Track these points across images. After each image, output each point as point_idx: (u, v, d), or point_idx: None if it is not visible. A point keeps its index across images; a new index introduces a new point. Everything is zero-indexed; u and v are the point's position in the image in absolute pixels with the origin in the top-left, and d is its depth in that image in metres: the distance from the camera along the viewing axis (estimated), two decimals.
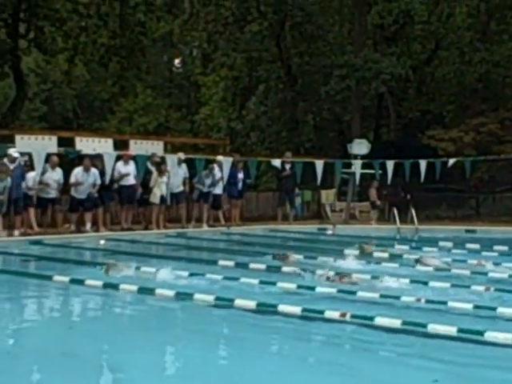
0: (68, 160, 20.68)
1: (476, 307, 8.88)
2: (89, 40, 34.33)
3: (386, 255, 14.64)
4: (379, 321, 7.99)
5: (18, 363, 6.83)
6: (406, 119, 38.02)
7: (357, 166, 24.14)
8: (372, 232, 21.21)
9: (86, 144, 20.49)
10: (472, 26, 35.16)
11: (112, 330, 8.32)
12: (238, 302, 9.04)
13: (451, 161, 23.44)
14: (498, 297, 9.90)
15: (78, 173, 19.25)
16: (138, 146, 21.61)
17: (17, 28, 31.91)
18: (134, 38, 34.51)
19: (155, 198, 20.33)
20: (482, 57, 31.53)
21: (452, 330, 7.52)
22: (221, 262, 13.21)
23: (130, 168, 20.22)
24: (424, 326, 7.69)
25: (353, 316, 8.18)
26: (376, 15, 33.30)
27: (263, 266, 12.68)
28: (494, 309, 8.75)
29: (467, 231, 21.43)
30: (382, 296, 9.52)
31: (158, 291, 9.83)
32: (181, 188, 21.35)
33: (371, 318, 8.05)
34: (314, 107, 34.90)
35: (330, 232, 21.43)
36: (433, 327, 7.63)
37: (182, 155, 21.39)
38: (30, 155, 18.72)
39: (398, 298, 9.41)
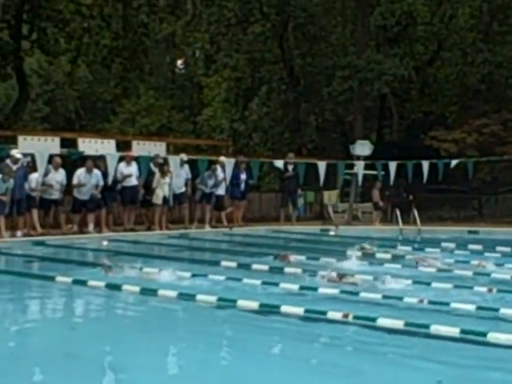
0: (71, 161, 20.70)
1: (479, 308, 8.88)
2: (91, 41, 34.36)
3: (388, 256, 14.64)
4: (382, 322, 7.99)
5: (21, 364, 6.83)
6: (408, 120, 37.99)
7: (359, 167, 24.15)
8: (374, 233, 21.18)
9: (88, 145, 20.49)
10: (475, 27, 35.13)
11: (115, 331, 8.33)
12: (241, 303, 9.05)
13: (454, 162, 23.45)
14: (501, 298, 9.90)
15: (80, 174, 19.27)
16: (140, 147, 21.60)
17: (20, 29, 31.94)
18: (137, 40, 34.54)
19: (158, 198, 20.34)
20: (484, 58, 31.52)
21: (455, 331, 7.52)
22: (223, 263, 13.22)
23: (133, 169, 20.23)
24: (427, 327, 7.69)
25: (355, 317, 8.18)
26: (379, 16, 33.28)
27: (266, 267, 12.68)
28: (497, 310, 8.75)
29: (470, 232, 21.42)
30: (384, 297, 9.53)
31: (161, 292, 9.84)
32: (183, 189, 21.36)
33: (374, 319, 8.05)
34: (316, 108, 34.91)
35: (332, 233, 21.44)
36: (435, 328, 7.62)
37: (184, 156, 21.41)
38: (32, 156, 18.74)
39: (400, 298, 9.41)
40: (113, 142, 21.31)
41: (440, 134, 29.10)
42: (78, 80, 44.38)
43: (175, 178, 20.91)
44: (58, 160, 19.22)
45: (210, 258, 15.12)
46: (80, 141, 20.55)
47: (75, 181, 19.27)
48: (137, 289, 10.13)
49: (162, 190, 20.38)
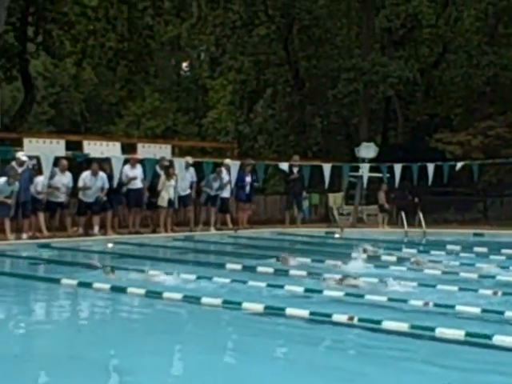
0: (76, 164, 20.72)
1: (484, 311, 8.87)
2: (97, 43, 34.42)
3: (393, 259, 14.64)
4: (387, 324, 7.98)
5: (27, 366, 6.85)
6: (413, 122, 37.95)
7: (364, 170, 24.13)
8: (380, 235, 21.17)
9: (93, 147, 20.48)
10: (480, 30, 35.07)
11: (120, 333, 8.33)
12: (246, 305, 9.05)
13: (459, 164, 23.43)
14: (506, 300, 9.88)
15: (86, 177, 19.29)
16: (145, 150, 21.59)
17: (25, 31, 32.03)
18: (142, 42, 34.60)
19: (163, 201, 20.35)
20: (489, 60, 31.45)
21: (460, 334, 7.51)
22: (228, 266, 13.22)
23: (137, 171, 20.25)
24: (432, 329, 7.68)
25: (360, 319, 8.18)
26: (384, 19, 33.24)
27: (271, 270, 12.69)
28: (502, 313, 8.74)
29: (475, 235, 21.38)
30: (389, 299, 9.52)
31: (166, 294, 9.84)
32: (188, 191, 21.38)
33: (379, 322, 8.04)
34: (321, 110, 34.89)
35: (337, 235, 21.42)
36: (440, 331, 7.61)
37: (189, 159, 21.42)
38: (38, 159, 18.74)
39: (405, 301, 9.40)
40: (118, 145, 21.30)
41: (445, 137, 29.08)
42: (84, 82, 44.46)
43: (180, 181, 20.92)
44: (64, 163, 19.23)
45: (215, 261, 15.13)
46: (85, 143, 20.55)
47: (81, 183, 19.29)
48: (142, 291, 10.15)
49: (167, 192, 20.38)
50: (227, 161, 22.41)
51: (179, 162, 21.02)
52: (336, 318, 8.33)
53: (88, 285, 10.81)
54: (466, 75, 32.99)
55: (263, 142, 37.96)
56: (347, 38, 35.58)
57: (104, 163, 19.91)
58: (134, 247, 17.43)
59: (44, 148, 19.17)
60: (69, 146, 20.16)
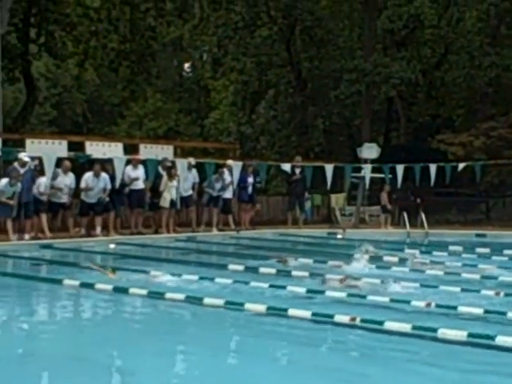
0: (78, 164, 20.72)
1: (486, 312, 8.87)
2: (99, 44, 34.47)
3: (395, 259, 14.63)
4: (389, 325, 7.98)
5: (29, 367, 6.85)
6: (415, 123, 37.97)
7: (367, 170, 24.12)
8: (382, 236, 21.17)
9: (96, 148, 20.49)
10: (482, 30, 35.05)
11: (122, 334, 8.33)
12: (248, 306, 9.05)
13: (461, 165, 23.42)
14: (508, 301, 9.88)
15: (88, 178, 19.29)
16: (147, 151, 21.59)
17: (27, 33, 32.09)
18: (144, 43, 34.64)
19: (165, 202, 20.35)
20: (491, 61, 31.43)
21: (462, 335, 7.50)
22: (230, 266, 13.22)
23: (139, 172, 20.25)
24: (434, 330, 7.68)
25: (363, 320, 8.17)
26: (386, 20, 33.24)
27: (273, 270, 12.69)
28: (505, 313, 8.73)
29: (477, 235, 21.38)
30: (391, 300, 9.51)
31: (168, 295, 9.84)
32: (190, 192, 21.38)
33: (381, 323, 8.04)
34: (323, 111, 34.91)
35: (339, 236, 21.41)
36: (443, 332, 7.61)
37: (192, 160, 21.42)
38: (40, 159, 18.75)
39: (407, 302, 9.39)
40: (120, 146, 21.31)
41: (447, 138, 29.08)
42: (86, 83, 44.49)
43: (182, 182, 20.93)
44: (67, 164, 19.25)
45: (217, 261, 15.13)
46: (87, 144, 20.56)
47: (83, 184, 19.29)
48: (144, 292, 10.15)
49: (169, 193, 20.39)
50: (229, 161, 22.41)
51: (181, 163, 21.03)
52: (338, 318, 8.33)
53: (90, 285, 10.82)
54: (468, 76, 32.98)
55: (265, 143, 37.98)
56: (349, 39, 35.58)
57: (106, 164, 19.92)
58: (136, 248, 17.44)
59: (46, 149, 19.18)
60: (71, 146, 20.17)
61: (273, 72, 36.41)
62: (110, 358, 7.19)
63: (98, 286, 10.71)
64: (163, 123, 44.09)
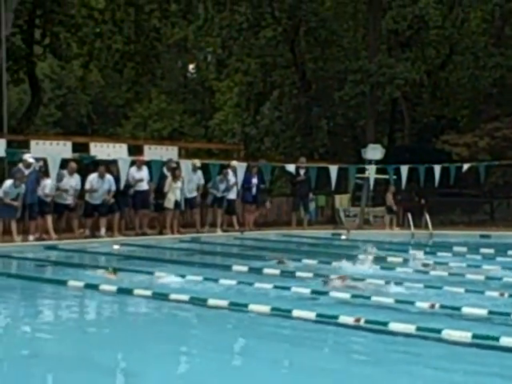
0: (83, 166, 20.73)
1: (490, 313, 8.86)
2: (104, 46, 34.47)
3: (399, 260, 14.63)
4: (393, 326, 7.98)
5: (33, 368, 6.86)
6: (420, 124, 37.91)
7: (371, 171, 24.08)
8: (386, 237, 21.16)
9: (100, 149, 20.51)
10: (486, 31, 35.02)
11: (126, 335, 8.35)
12: (252, 307, 9.06)
13: (465, 166, 23.37)
14: None
15: (93, 179, 19.31)
16: (152, 152, 21.62)
17: (32, 34, 32.11)
18: (149, 44, 34.65)
19: (169, 203, 20.37)
20: (496, 61, 31.40)
21: (467, 336, 7.50)
22: (235, 267, 13.23)
23: (144, 173, 20.26)
24: (438, 331, 7.67)
25: (367, 321, 8.17)
26: (390, 20, 33.18)
27: (277, 271, 12.69)
28: (509, 314, 8.73)
29: (482, 236, 21.36)
30: (396, 301, 9.51)
31: (172, 296, 9.85)
32: (195, 193, 21.39)
33: (385, 324, 8.04)
34: (328, 112, 34.86)
35: (344, 237, 21.41)
36: (447, 333, 7.60)
37: (197, 162, 21.39)
38: (45, 161, 18.76)
39: (412, 303, 9.40)
40: (125, 147, 21.33)
41: (452, 138, 29.03)
42: (90, 84, 44.50)
43: (187, 183, 20.94)
44: (73, 165, 19.25)
45: (222, 262, 15.13)
46: (92, 145, 20.58)
47: (87, 186, 19.31)
48: (148, 293, 10.16)
49: (173, 194, 20.40)
50: (234, 162, 22.42)
51: (186, 164, 21.04)
52: (343, 319, 8.33)
53: (95, 287, 10.84)
54: (472, 77, 32.94)
55: (270, 144, 37.95)
56: (354, 40, 35.54)
57: (111, 165, 19.93)
58: (140, 249, 17.45)
59: (51, 150, 19.20)
60: (75, 147, 20.19)
61: (277, 73, 36.39)
62: (114, 359, 7.20)
63: (103, 287, 10.72)
64: (168, 124, 44.08)
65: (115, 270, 12.14)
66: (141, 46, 34.42)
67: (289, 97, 36.73)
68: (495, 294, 10.34)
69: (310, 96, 34.76)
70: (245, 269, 13.06)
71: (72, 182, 19.11)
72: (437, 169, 23.05)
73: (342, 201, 27.08)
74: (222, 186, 21.79)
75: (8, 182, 17.58)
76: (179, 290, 10.43)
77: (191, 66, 48.90)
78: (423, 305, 9.30)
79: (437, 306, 9.18)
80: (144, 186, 20.25)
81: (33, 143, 19.42)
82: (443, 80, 35.75)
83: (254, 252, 17.11)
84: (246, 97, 39.81)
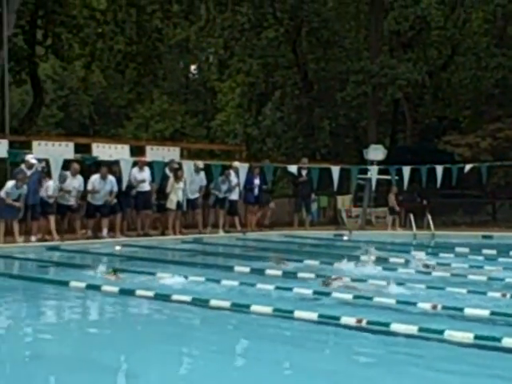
0: (85, 166, 20.74)
1: (493, 313, 8.85)
2: (105, 46, 34.49)
3: (401, 261, 14.62)
4: (395, 327, 7.97)
5: (35, 369, 6.86)
6: (422, 125, 37.92)
7: (373, 172, 24.08)
8: (388, 238, 21.15)
9: (102, 150, 20.54)
10: (488, 32, 35.01)
11: (128, 336, 8.35)
12: (254, 308, 9.05)
13: (468, 166, 23.35)
14: None
15: (95, 180, 19.31)
16: (154, 152, 21.65)
17: (34, 35, 32.13)
18: (151, 45, 34.67)
19: (171, 203, 20.38)
20: (498, 62, 31.39)
21: (469, 337, 7.49)
22: (237, 268, 13.22)
23: (145, 174, 20.26)
24: (440, 332, 7.67)
25: (369, 322, 8.17)
26: (392, 21, 33.21)
27: (279, 272, 12.69)
28: (511, 315, 8.72)
29: (484, 237, 21.35)
30: (398, 302, 9.51)
31: (174, 297, 9.85)
32: (197, 194, 21.39)
33: (387, 325, 8.03)
34: (330, 113, 34.87)
35: (346, 238, 21.41)
36: (449, 334, 7.60)
37: (200, 164, 21.38)
38: (47, 161, 18.77)
39: (414, 304, 9.39)
40: (127, 147, 21.37)
41: (454, 139, 29.03)
42: (92, 85, 44.50)
43: (190, 184, 20.94)
44: (76, 166, 19.25)
45: (224, 263, 15.13)
46: (94, 146, 20.61)
47: (90, 187, 19.31)
48: (150, 294, 10.16)
49: (175, 194, 20.41)
50: (236, 163, 22.43)
51: (187, 165, 21.03)
52: (344, 320, 8.33)
53: (97, 287, 10.84)
54: (474, 77, 32.95)
55: (272, 145, 37.95)
56: (356, 41, 35.55)
57: (114, 166, 19.94)
58: (142, 249, 17.46)
59: (53, 151, 19.24)
60: (77, 148, 20.22)
61: (279, 74, 36.42)
62: (116, 360, 7.20)
63: (105, 288, 10.73)
64: (169, 125, 44.08)
65: (115, 271, 12.13)
66: (143, 47, 34.44)
67: (291, 97, 36.75)
68: (497, 294, 10.33)
69: (312, 97, 34.77)
70: (247, 269, 13.06)
71: (75, 183, 19.11)
72: (439, 169, 23.05)
73: (343, 201, 27.07)
74: (224, 187, 21.80)
75: (10, 183, 17.59)
76: (181, 290, 10.43)
77: (193, 67, 48.90)
78: (425, 306, 9.29)
79: (439, 306, 9.18)
80: (146, 186, 20.25)
81: (35, 144, 19.46)
82: (445, 81, 35.76)
83: (256, 253, 17.11)
84: (247, 97, 39.84)
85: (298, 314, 8.71)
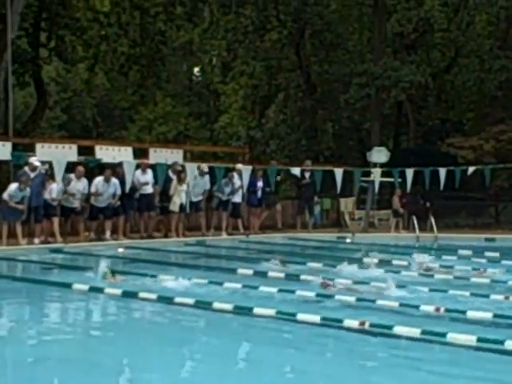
0: (88, 169, 20.75)
1: (496, 316, 8.85)
2: (109, 49, 34.53)
3: (404, 263, 14.62)
4: (398, 330, 7.97)
5: (38, 371, 6.87)
6: (425, 127, 37.90)
7: (376, 174, 24.07)
8: (391, 240, 21.15)
9: (105, 152, 20.55)
10: (492, 34, 35.00)
11: (131, 339, 8.35)
12: (257, 311, 9.05)
13: (471, 169, 23.34)
14: None
15: (98, 183, 19.31)
16: (157, 155, 21.66)
17: (38, 37, 32.16)
18: (154, 47, 34.69)
19: (175, 206, 20.37)
20: (501, 64, 31.36)
21: (472, 340, 7.49)
22: (240, 271, 13.23)
23: (148, 177, 20.27)
24: (443, 335, 7.66)
25: (372, 325, 8.16)
26: (395, 23, 33.20)
27: (282, 275, 12.70)
28: None
29: (487, 239, 21.35)
30: (401, 305, 9.51)
31: (177, 299, 9.85)
32: (200, 197, 21.38)
33: (390, 327, 8.03)
34: (333, 115, 34.85)
35: (349, 240, 21.40)
36: (452, 336, 7.59)
37: (205, 167, 21.36)
38: (50, 164, 18.78)
39: (416, 307, 9.39)
40: (130, 150, 21.39)
41: (457, 141, 29.00)
42: (96, 87, 44.52)
43: (193, 187, 20.93)
44: (81, 169, 19.27)
45: (227, 266, 15.13)
46: (97, 148, 20.62)
47: (93, 189, 19.31)
48: (153, 296, 10.16)
49: (179, 197, 20.41)
50: (239, 166, 22.42)
51: (190, 167, 21.02)
52: (347, 323, 8.33)
53: (99, 290, 10.84)
54: (478, 80, 32.92)
55: (275, 147, 37.89)
56: (359, 43, 35.56)
57: (117, 168, 19.93)
58: (145, 252, 17.46)
59: (56, 153, 19.26)
60: (81, 151, 20.24)
61: (282, 76, 36.41)
62: (119, 362, 7.20)
63: (107, 290, 10.73)
64: (173, 127, 44.06)
65: (113, 273, 12.12)
66: (146, 49, 34.46)
67: (294, 100, 36.73)
68: (500, 297, 10.32)
69: (316, 99, 34.75)
70: (250, 272, 13.06)
71: (79, 185, 19.11)
72: (442, 172, 23.03)
73: (347, 204, 27.05)
74: (228, 190, 21.80)
75: (13, 186, 17.61)
76: (184, 293, 10.43)
77: (196, 69, 48.92)
78: (428, 308, 9.29)
79: (442, 309, 9.18)
80: (149, 189, 20.25)
81: (38, 146, 19.48)
82: (448, 83, 35.74)
83: (259, 255, 17.11)
84: (251, 100, 39.84)
85: (300, 316, 8.71)
